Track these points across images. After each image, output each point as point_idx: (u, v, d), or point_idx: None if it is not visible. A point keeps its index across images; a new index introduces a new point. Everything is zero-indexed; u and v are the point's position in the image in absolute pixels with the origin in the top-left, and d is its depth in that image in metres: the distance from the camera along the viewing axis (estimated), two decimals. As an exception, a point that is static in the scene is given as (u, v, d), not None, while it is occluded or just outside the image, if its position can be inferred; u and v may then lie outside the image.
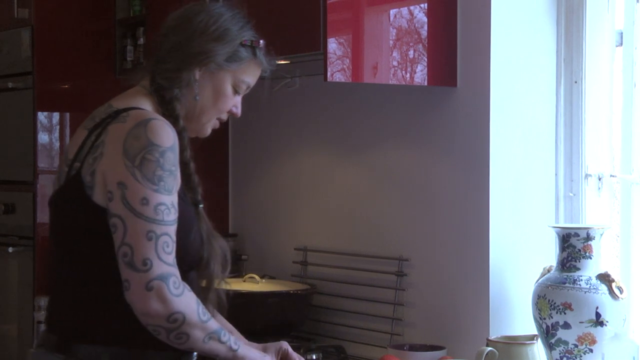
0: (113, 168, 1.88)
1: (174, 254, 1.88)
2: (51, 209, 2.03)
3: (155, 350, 1.93)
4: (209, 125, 2.13)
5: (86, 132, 1.97)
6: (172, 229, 1.88)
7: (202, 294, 2.01)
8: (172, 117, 2.01)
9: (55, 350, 1.96)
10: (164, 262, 1.85)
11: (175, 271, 1.87)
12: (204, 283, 2.05)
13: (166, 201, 1.87)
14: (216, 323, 1.95)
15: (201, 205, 2.05)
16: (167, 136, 1.90)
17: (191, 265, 2.00)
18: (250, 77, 2.12)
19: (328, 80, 2.70)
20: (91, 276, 1.94)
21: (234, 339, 1.97)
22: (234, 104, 2.12)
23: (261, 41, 2.11)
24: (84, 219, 1.92)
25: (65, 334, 1.96)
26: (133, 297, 1.85)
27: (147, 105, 2.02)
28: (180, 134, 1.98)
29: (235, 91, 2.11)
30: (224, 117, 2.14)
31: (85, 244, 1.93)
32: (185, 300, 1.87)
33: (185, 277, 1.92)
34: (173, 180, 1.91)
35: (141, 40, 3.61)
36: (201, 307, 1.91)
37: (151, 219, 1.85)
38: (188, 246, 1.97)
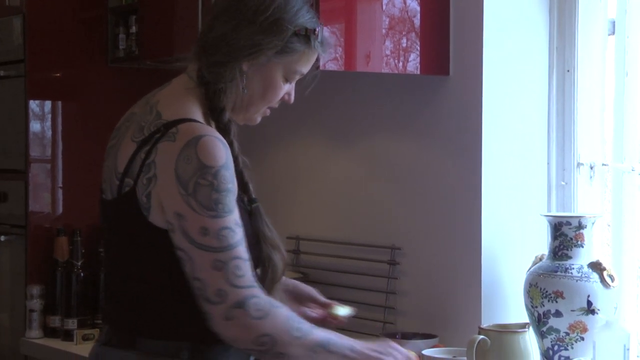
0: (169, 196, 1.81)
1: (249, 273, 1.81)
2: (104, 217, 1.95)
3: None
4: (259, 115, 2.03)
5: (134, 146, 1.87)
6: (241, 249, 1.82)
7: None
8: (217, 110, 1.93)
9: (126, 347, 1.89)
10: (238, 286, 1.79)
11: (254, 291, 1.81)
12: (264, 284, 1.93)
13: (228, 223, 1.81)
14: (320, 333, 1.86)
15: (255, 204, 1.97)
16: (219, 153, 1.81)
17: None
18: (304, 66, 2.00)
19: (320, 69, 2.69)
20: (155, 277, 1.87)
21: (347, 344, 1.88)
22: (286, 92, 2.02)
23: (318, 28, 1.98)
24: (141, 237, 1.86)
25: (136, 330, 1.89)
26: (216, 328, 1.81)
27: (194, 107, 1.91)
28: (226, 127, 1.92)
29: (287, 80, 2.00)
30: (275, 105, 2.03)
31: (144, 255, 1.87)
32: (272, 321, 1.81)
33: None
34: (232, 197, 1.83)
35: (133, 29, 3.60)
36: (294, 322, 1.83)
37: (215, 248, 1.79)
38: None
